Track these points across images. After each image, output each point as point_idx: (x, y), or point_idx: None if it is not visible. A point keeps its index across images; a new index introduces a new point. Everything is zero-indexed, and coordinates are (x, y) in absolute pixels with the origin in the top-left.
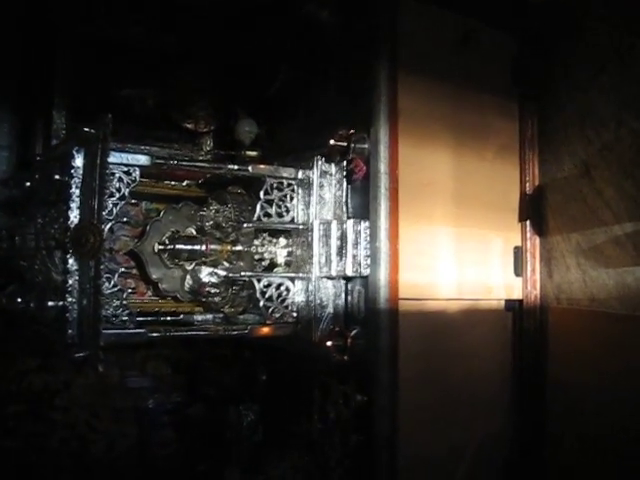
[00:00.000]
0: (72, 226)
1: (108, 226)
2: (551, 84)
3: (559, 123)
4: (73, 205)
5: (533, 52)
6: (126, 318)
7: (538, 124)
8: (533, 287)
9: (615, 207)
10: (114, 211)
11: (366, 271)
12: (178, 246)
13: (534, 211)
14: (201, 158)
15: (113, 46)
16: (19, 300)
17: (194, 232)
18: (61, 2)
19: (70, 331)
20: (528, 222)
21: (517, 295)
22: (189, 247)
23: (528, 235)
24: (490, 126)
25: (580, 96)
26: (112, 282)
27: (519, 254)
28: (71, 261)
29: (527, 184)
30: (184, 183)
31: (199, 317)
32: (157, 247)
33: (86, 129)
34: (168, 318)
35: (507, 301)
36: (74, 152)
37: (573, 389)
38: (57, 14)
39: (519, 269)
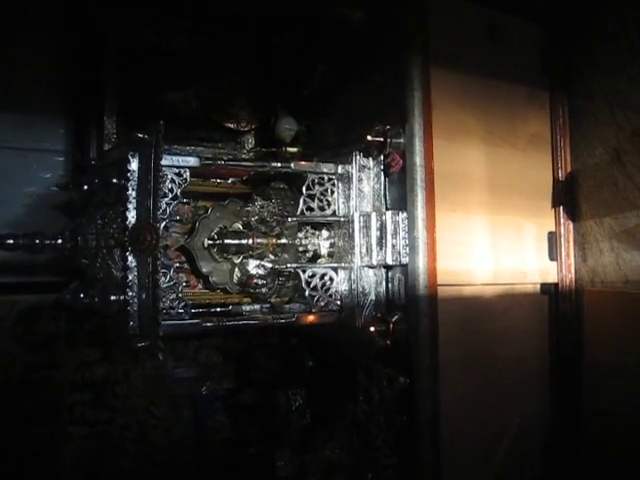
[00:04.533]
0: (130, 226)
1: (163, 224)
2: (580, 71)
3: (589, 110)
4: (130, 206)
5: (562, 40)
6: (182, 310)
7: (569, 111)
8: (568, 271)
9: None
10: (168, 210)
11: (405, 259)
12: (226, 241)
13: (567, 197)
14: (244, 156)
15: (157, 53)
16: (82, 296)
17: (241, 227)
18: (109, 14)
19: (131, 323)
20: (561, 208)
21: (552, 279)
22: (236, 241)
23: (562, 220)
24: (521, 115)
25: (610, 82)
26: (168, 277)
27: (553, 239)
28: (130, 258)
29: (559, 171)
30: (229, 180)
31: (247, 307)
32: (206, 242)
33: (140, 135)
34: (218, 309)
35: (542, 285)
36: (129, 156)
37: (609, 370)
38: (105, 25)
39: (554, 254)
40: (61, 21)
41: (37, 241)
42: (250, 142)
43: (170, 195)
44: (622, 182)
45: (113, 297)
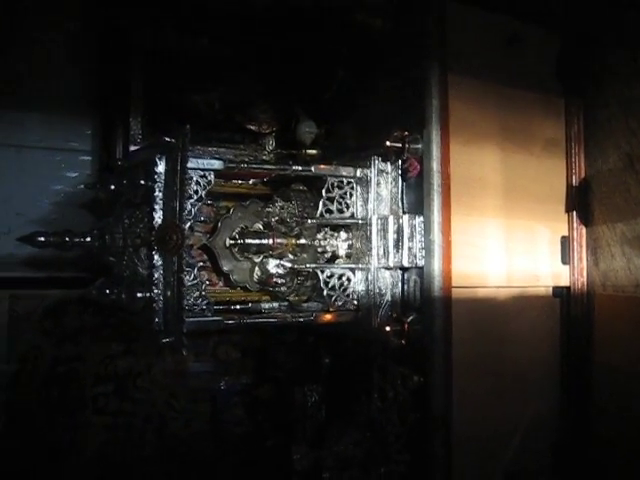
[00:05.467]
0: (156, 226)
1: (188, 225)
2: (595, 79)
3: (604, 117)
4: (157, 207)
5: (577, 49)
6: (204, 307)
7: (583, 118)
8: (580, 275)
9: None
10: (192, 211)
11: (421, 262)
12: (247, 240)
13: (580, 202)
14: (265, 158)
15: (181, 56)
16: (107, 292)
17: (261, 227)
18: (135, 20)
19: (157, 319)
20: (574, 213)
21: (564, 282)
22: (257, 241)
23: (575, 225)
24: (536, 122)
25: (624, 90)
26: (192, 275)
27: (566, 243)
28: (156, 257)
29: (573, 176)
30: (250, 182)
31: (266, 305)
32: (228, 242)
33: (167, 139)
34: (238, 307)
35: (555, 288)
36: (157, 159)
37: (619, 373)
38: (132, 31)
39: (566, 257)
40: (91, 28)
41: (67, 239)
42: (271, 144)
43: (195, 197)
44: (635, 189)
45: (139, 294)
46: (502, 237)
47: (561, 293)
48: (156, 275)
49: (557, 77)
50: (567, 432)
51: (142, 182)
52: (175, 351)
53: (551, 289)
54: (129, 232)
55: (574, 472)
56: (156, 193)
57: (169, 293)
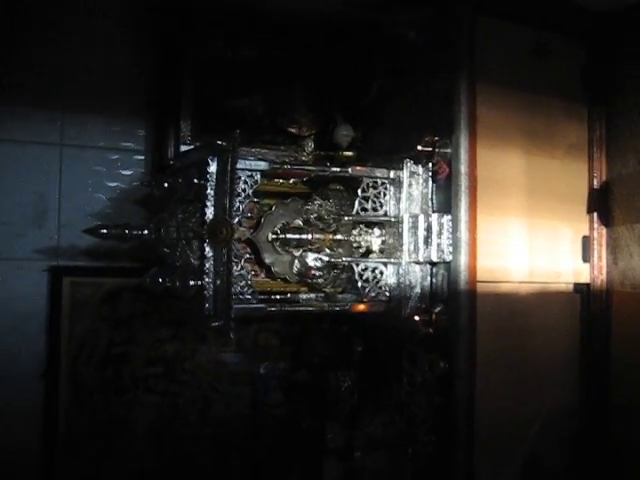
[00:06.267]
0: (208, 220)
1: (236, 220)
2: (619, 88)
3: (625, 123)
4: (208, 203)
5: (601, 59)
6: (249, 296)
7: (605, 124)
8: (600, 272)
9: None
10: (241, 208)
11: (449, 257)
12: (288, 235)
13: (601, 204)
14: (304, 159)
15: (229, 63)
16: (160, 280)
17: (301, 223)
18: (187, 29)
19: (207, 305)
20: (595, 214)
21: (584, 279)
22: (297, 236)
23: (595, 226)
24: (560, 127)
25: None
26: (239, 266)
27: (587, 242)
28: (207, 249)
29: (595, 179)
30: (291, 181)
31: (304, 296)
32: (270, 236)
33: (219, 142)
34: (278, 297)
35: (575, 284)
36: (209, 160)
37: (636, 368)
38: (183, 39)
39: (587, 256)
40: (145, 35)
41: (126, 231)
42: (310, 146)
43: (243, 195)
44: None
45: (192, 282)
46: (525, 235)
47: (581, 290)
48: (207, 265)
49: (582, 86)
50: (586, 425)
51: (195, 181)
52: (222, 335)
53: (572, 286)
54: (182, 226)
55: (592, 464)
56: (208, 191)
57: (218, 282)
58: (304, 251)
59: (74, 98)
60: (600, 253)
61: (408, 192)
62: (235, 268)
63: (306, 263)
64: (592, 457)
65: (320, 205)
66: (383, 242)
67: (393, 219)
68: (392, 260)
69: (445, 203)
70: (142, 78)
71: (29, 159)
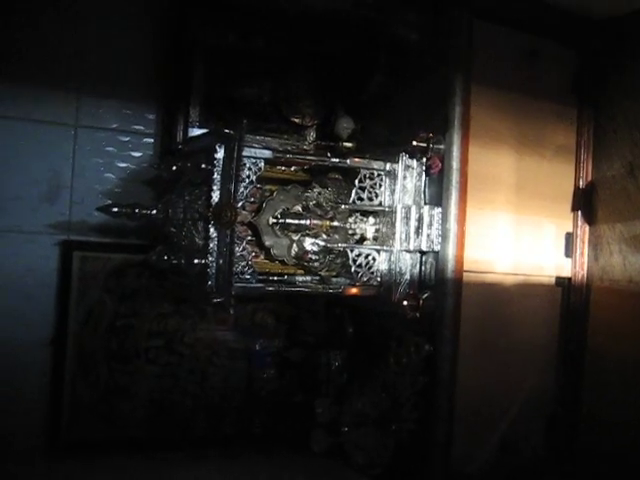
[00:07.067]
0: (213, 203)
1: (240, 204)
2: (607, 94)
3: (611, 128)
4: (215, 187)
5: (591, 66)
6: (249, 276)
7: (593, 128)
8: (581, 267)
9: None
10: (245, 193)
11: (437, 247)
12: (287, 220)
13: (585, 203)
14: (306, 148)
15: (238, 52)
16: (165, 258)
17: (300, 209)
18: (199, 18)
19: (209, 282)
20: (579, 212)
21: (566, 274)
22: (296, 221)
23: (579, 223)
24: (550, 129)
25: (630, 104)
26: (241, 247)
27: (570, 239)
28: (212, 230)
29: (580, 180)
30: (292, 168)
31: (300, 278)
32: (271, 220)
33: (227, 130)
34: (275, 278)
35: (557, 278)
36: (217, 147)
37: (610, 358)
38: (195, 27)
39: (569, 251)
40: (159, 21)
41: (136, 210)
42: (311, 136)
43: (247, 180)
44: (634, 194)
45: (196, 260)
46: (511, 230)
47: (563, 283)
48: (211, 245)
49: (572, 90)
50: (560, 408)
51: (203, 166)
52: (222, 311)
53: (554, 279)
54: (189, 207)
55: (565, 441)
56: (215, 176)
57: (221, 261)
58: (302, 236)
59: (89, 81)
60: (582, 249)
61: (402, 184)
62: (237, 249)
63: (303, 247)
64: (566, 436)
65: (319, 193)
66: (377, 230)
67: (387, 209)
68: (384, 247)
69: (436, 196)
70: (154, 64)
71: (45, 138)
